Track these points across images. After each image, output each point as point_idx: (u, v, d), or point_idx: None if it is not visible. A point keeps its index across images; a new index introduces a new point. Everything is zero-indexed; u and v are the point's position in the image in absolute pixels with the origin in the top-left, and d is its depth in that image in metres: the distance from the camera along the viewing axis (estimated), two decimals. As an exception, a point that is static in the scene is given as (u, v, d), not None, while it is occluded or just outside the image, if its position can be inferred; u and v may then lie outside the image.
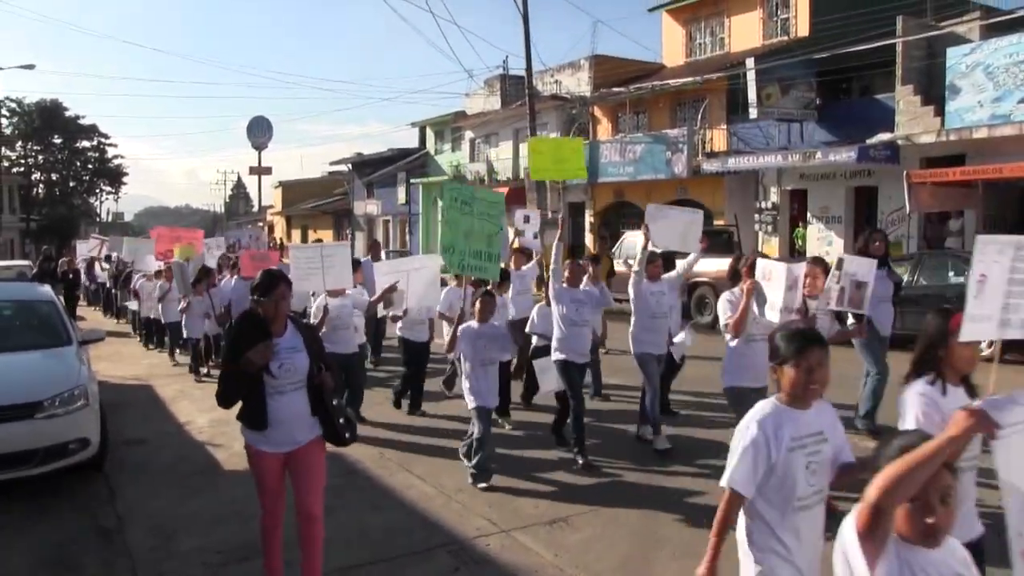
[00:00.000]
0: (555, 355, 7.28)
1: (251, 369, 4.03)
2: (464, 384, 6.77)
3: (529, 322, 8.76)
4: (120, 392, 10.80)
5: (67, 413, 6.55)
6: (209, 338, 12.53)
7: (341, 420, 4.37)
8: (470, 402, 6.65)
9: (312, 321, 8.23)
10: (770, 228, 22.25)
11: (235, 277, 12.59)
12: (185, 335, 12.69)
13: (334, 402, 4.35)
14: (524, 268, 10.10)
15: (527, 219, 11.30)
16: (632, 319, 7.74)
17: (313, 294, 8.69)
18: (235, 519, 5.96)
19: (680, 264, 8.19)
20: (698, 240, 7.81)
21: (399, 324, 9.22)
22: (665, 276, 7.93)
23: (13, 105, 57.18)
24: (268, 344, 4.06)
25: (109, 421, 7.56)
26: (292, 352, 4.24)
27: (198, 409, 9.81)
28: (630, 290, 7.71)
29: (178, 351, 13.68)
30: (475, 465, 6.58)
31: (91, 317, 21.90)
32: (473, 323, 6.71)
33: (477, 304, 6.78)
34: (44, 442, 6.39)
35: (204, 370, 12.31)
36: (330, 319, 8.22)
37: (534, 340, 8.53)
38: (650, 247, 7.57)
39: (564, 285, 7.24)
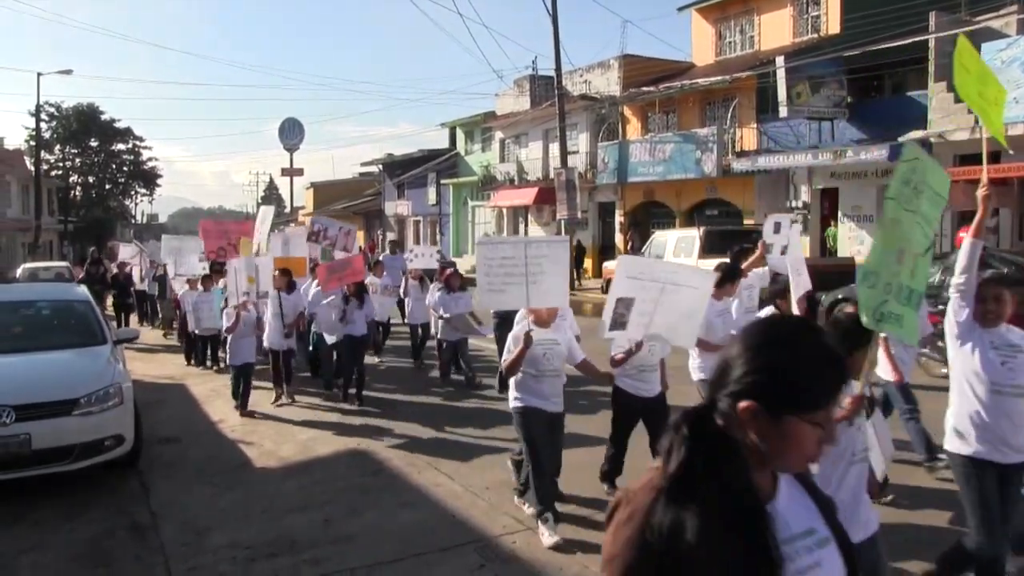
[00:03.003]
0: (959, 446, 4.04)
1: None
2: None
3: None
4: (154, 391, 10.98)
5: (102, 410, 6.70)
6: (280, 354, 10.16)
7: None
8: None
9: (502, 363, 5.74)
10: (801, 227, 22.01)
11: (316, 281, 10.87)
12: (228, 361, 10.16)
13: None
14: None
15: (777, 228, 7.95)
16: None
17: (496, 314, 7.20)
18: (264, 516, 6.08)
19: None
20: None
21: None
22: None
23: (52, 110, 58.37)
24: None
25: (143, 419, 7.70)
26: (816, 547, 1.58)
27: (230, 408, 9.94)
28: None
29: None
30: None
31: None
32: None
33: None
34: (80, 438, 6.54)
35: (286, 400, 10.08)
36: (535, 359, 5.49)
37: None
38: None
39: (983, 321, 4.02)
